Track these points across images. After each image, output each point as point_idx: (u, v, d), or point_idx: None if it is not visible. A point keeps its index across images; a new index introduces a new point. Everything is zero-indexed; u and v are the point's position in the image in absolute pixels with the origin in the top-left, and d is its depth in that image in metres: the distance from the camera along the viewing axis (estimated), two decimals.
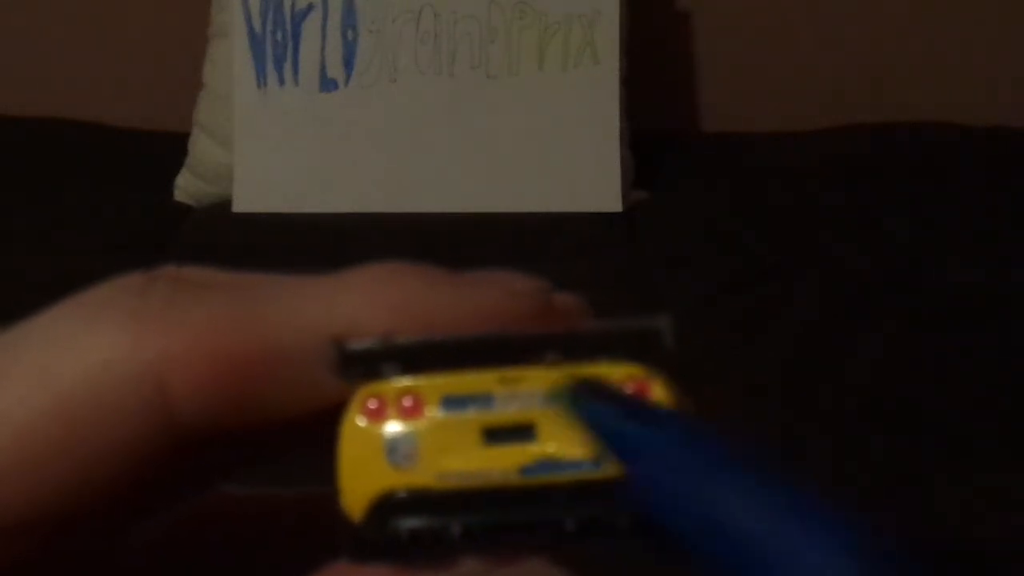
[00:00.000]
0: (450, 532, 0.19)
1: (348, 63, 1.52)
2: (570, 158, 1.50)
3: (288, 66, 1.51)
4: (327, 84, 1.51)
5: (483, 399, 0.20)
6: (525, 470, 0.20)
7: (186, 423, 0.19)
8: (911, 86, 1.73)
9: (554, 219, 1.46)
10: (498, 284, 0.21)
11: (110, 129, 1.66)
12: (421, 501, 0.19)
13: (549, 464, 0.20)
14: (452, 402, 0.20)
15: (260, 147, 1.50)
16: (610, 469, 0.19)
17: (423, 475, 0.20)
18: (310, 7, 1.52)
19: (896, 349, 1.20)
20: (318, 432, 0.20)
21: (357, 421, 0.20)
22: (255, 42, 1.52)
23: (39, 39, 1.74)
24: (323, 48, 1.52)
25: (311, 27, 1.52)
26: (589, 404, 0.19)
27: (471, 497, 0.19)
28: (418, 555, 0.19)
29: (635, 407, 0.19)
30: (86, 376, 0.19)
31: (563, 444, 0.20)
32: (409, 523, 0.19)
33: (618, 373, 0.20)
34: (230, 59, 1.52)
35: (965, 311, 1.25)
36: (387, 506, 0.19)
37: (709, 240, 1.42)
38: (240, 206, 1.49)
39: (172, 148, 1.55)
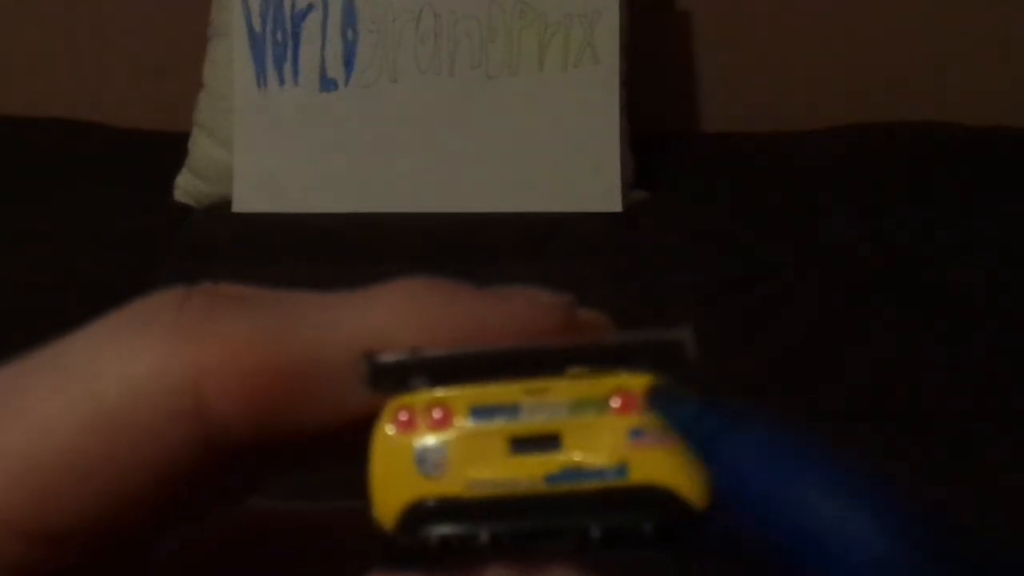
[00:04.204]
0: (479, 539, 0.20)
1: (348, 63, 1.52)
2: (570, 158, 1.50)
3: (288, 66, 1.51)
4: (327, 84, 1.51)
5: (510, 409, 0.20)
6: (551, 478, 0.20)
7: (223, 434, 0.20)
8: (911, 86, 1.73)
9: (554, 219, 1.46)
10: (523, 298, 0.21)
11: (110, 129, 1.66)
12: (450, 509, 0.20)
13: (574, 472, 0.20)
14: (480, 412, 0.20)
15: (260, 147, 1.50)
16: (634, 477, 0.20)
17: (452, 484, 0.20)
18: (310, 7, 1.52)
19: (896, 349, 1.20)
20: (350, 445, 0.20)
21: (388, 432, 0.20)
22: (255, 42, 1.52)
23: (39, 39, 1.74)
24: (323, 48, 1.52)
25: (311, 27, 1.52)
26: (672, 405, 0.20)
27: (499, 505, 0.20)
28: (447, 562, 0.20)
29: (717, 408, 0.19)
30: (127, 389, 0.20)
31: (588, 453, 0.20)
32: (439, 531, 0.20)
33: (639, 383, 0.20)
34: (230, 59, 1.52)
35: (965, 311, 1.25)
36: (418, 514, 0.20)
37: (709, 240, 1.43)
38: (240, 206, 1.49)
39: (172, 148, 1.55)
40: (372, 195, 1.49)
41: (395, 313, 0.21)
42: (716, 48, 1.76)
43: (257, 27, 1.52)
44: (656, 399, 0.20)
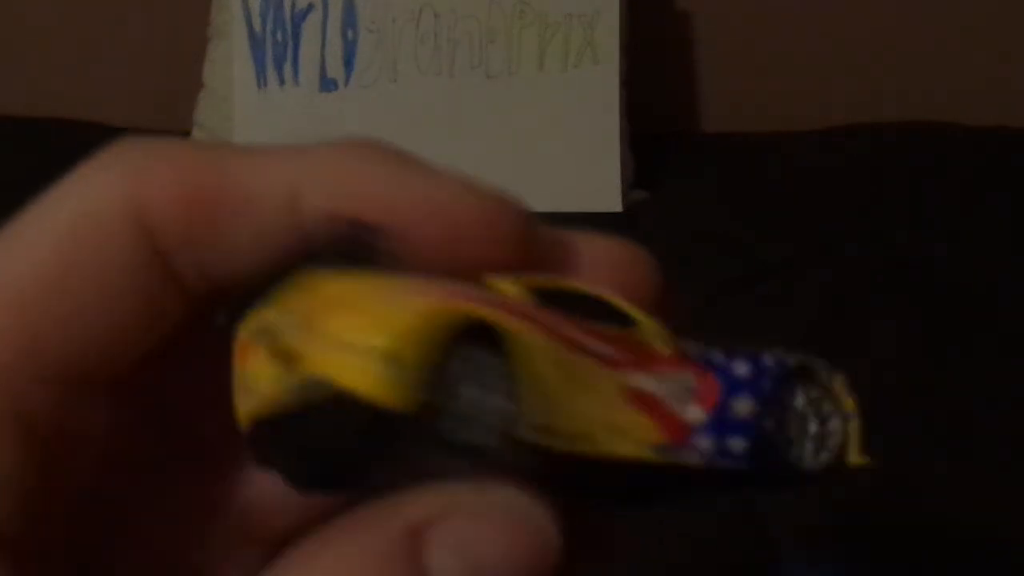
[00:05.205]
0: (288, 455, 0.21)
1: (348, 63, 1.52)
2: (570, 158, 1.50)
3: (288, 66, 1.52)
4: (327, 84, 1.51)
5: (267, 330, 0.21)
6: (290, 392, 0.20)
7: (167, 256, 0.22)
8: (911, 86, 1.73)
9: (554, 219, 1.45)
10: (475, 188, 0.24)
11: (110, 129, 1.66)
12: (262, 429, 0.21)
13: (312, 384, 0.20)
14: (257, 335, 0.21)
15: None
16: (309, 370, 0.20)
17: (258, 404, 0.21)
18: (310, 7, 1.52)
19: (896, 349, 1.20)
20: None
21: (235, 359, 0.22)
22: (255, 42, 1.52)
23: (39, 39, 1.74)
24: (323, 48, 1.52)
25: (311, 27, 1.52)
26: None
27: (273, 424, 0.21)
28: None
29: None
30: (76, 219, 0.22)
31: (311, 363, 0.20)
32: (265, 449, 0.21)
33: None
34: (230, 59, 1.52)
35: (965, 311, 1.25)
36: (248, 435, 0.21)
37: (709, 240, 1.42)
38: None
39: None
40: None
41: (322, 170, 0.22)
42: (716, 48, 1.76)
43: (257, 27, 1.52)
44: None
